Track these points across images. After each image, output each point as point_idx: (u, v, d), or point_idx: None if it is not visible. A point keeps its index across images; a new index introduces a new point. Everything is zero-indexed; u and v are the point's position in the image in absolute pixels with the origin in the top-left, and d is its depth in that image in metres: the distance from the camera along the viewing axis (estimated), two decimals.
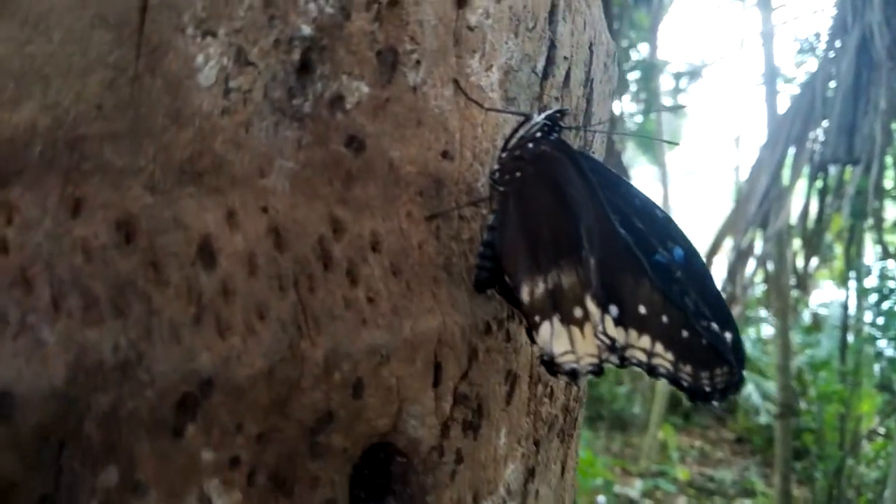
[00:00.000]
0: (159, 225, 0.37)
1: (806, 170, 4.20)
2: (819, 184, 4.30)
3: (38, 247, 0.33)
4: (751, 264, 4.71)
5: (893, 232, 4.70)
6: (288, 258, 0.41)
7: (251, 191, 0.40)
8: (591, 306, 0.45)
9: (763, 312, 6.52)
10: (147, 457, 0.36)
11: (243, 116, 0.39)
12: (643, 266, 0.45)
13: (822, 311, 6.53)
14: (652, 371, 0.45)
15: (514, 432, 0.55)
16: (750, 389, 6.08)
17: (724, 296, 0.49)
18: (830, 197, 4.22)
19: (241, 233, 0.39)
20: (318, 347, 0.41)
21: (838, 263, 5.69)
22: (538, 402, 0.58)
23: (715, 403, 0.46)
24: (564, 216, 0.47)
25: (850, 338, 4.81)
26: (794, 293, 4.75)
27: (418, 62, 0.45)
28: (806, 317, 6.46)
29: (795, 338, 6.02)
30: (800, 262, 5.04)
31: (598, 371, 0.46)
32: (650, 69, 6.35)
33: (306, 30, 0.40)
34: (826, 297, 6.76)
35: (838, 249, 5.25)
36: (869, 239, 4.62)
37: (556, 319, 0.46)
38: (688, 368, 0.44)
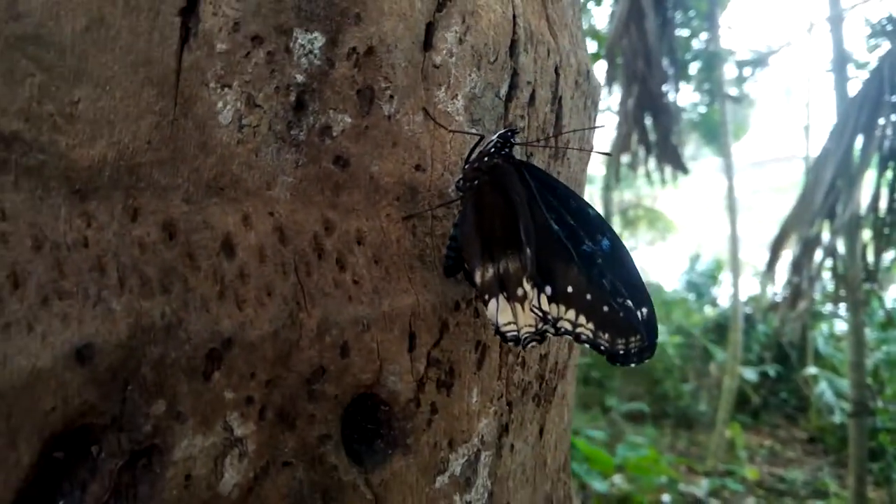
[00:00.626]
0: (193, 226, 0.51)
1: (875, 158, 4.10)
2: (889, 173, 4.16)
3: (108, 242, 0.48)
4: (819, 256, 4.61)
5: None
6: (290, 250, 0.54)
7: (261, 200, 0.53)
8: (528, 287, 0.56)
9: (831, 307, 6.33)
10: (185, 394, 0.50)
11: (253, 145, 0.52)
12: (571, 254, 0.56)
13: None
14: (577, 338, 0.56)
15: (486, 392, 0.68)
16: (823, 387, 5.93)
17: (643, 278, 0.59)
18: None
19: (254, 231, 0.53)
20: (312, 317, 0.55)
21: None
22: (510, 369, 0.70)
23: (632, 365, 0.57)
24: (510, 215, 0.58)
25: None
26: (866, 287, 4.61)
27: (392, 96, 0.58)
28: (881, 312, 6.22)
29: (870, 334, 5.83)
30: (871, 255, 4.89)
31: (537, 339, 0.58)
32: (712, 58, 6.25)
33: (300, 78, 0.53)
34: None
35: None
36: None
37: (501, 297, 0.58)
38: (606, 336, 0.56)
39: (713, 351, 7.56)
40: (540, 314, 0.56)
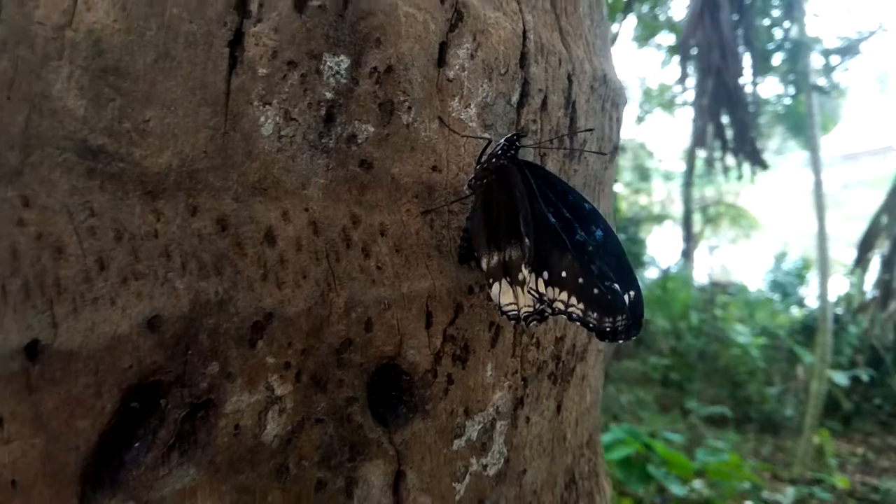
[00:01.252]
0: (241, 220, 0.61)
1: None
2: None
3: (173, 234, 0.59)
4: None
5: None
6: (322, 240, 0.64)
7: (297, 198, 0.63)
8: (527, 272, 0.64)
9: None
10: (235, 357, 0.61)
11: (290, 152, 0.62)
12: (566, 244, 0.64)
13: None
14: (569, 317, 0.64)
15: (500, 368, 0.76)
16: None
17: (631, 264, 0.66)
18: None
19: (292, 224, 0.63)
20: (340, 297, 0.65)
21: None
22: (524, 348, 0.78)
23: (620, 341, 0.64)
24: (513, 210, 0.66)
25: None
26: None
27: (410, 107, 0.67)
28: None
29: None
30: None
31: (536, 318, 0.66)
32: (797, 48, 6.04)
33: (329, 95, 0.63)
34: None
35: None
36: None
37: (504, 281, 0.66)
38: (594, 315, 0.63)
39: (800, 353, 7.30)
40: (537, 296, 0.64)
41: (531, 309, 0.65)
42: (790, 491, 4.70)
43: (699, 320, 8.62)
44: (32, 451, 0.55)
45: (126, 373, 0.57)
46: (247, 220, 0.62)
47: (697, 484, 4.21)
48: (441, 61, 0.69)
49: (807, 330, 7.18)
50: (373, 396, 0.69)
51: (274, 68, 0.61)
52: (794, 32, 6.06)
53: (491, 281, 0.67)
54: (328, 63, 0.63)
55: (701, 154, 5.65)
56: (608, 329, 0.63)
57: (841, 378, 6.22)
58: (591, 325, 0.63)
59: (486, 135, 0.72)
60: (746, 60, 5.38)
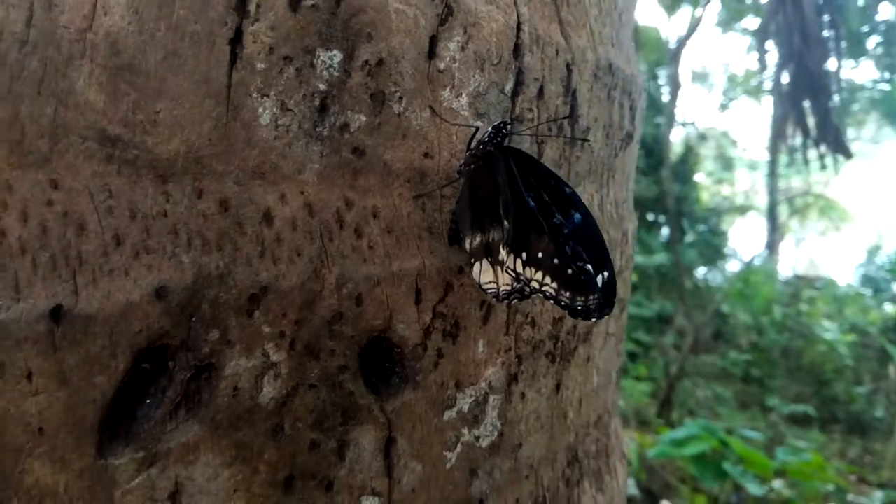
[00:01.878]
0: (242, 202, 0.68)
1: None
2: None
3: (181, 214, 0.66)
4: None
5: None
6: (316, 221, 0.70)
7: (294, 182, 0.69)
8: (504, 252, 0.68)
9: None
10: (234, 326, 0.67)
11: (287, 140, 0.68)
12: (543, 226, 0.67)
13: None
14: (544, 295, 0.67)
15: (492, 345, 0.80)
16: None
17: (608, 246, 0.69)
18: None
19: (288, 206, 0.69)
20: (332, 274, 0.70)
21: None
22: (518, 327, 0.82)
23: (593, 320, 0.67)
24: (496, 194, 0.70)
25: None
26: None
27: (401, 97, 0.72)
28: None
29: None
30: None
31: (517, 296, 0.70)
32: (893, 30, 5.72)
33: (322, 87, 0.69)
34: None
35: None
36: None
37: (486, 261, 0.70)
38: (567, 294, 0.66)
39: (893, 352, 6.97)
40: (514, 275, 0.68)
41: (509, 288, 0.69)
42: (878, 495, 4.51)
43: (783, 315, 8.33)
44: (57, 403, 0.63)
45: (137, 336, 0.65)
46: (247, 202, 0.68)
47: (777, 484, 4.10)
48: (432, 53, 0.73)
49: None
50: (366, 367, 0.74)
51: (271, 63, 0.67)
52: (889, 14, 5.74)
53: (473, 260, 0.71)
54: (322, 57, 0.68)
55: (782, 143, 5.43)
56: (580, 308, 0.66)
57: None
58: (563, 304, 0.66)
59: (479, 123, 0.76)
60: (832, 45, 5.14)
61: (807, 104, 4.96)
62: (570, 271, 0.66)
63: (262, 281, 0.68)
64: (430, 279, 0.75)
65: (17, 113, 0.63)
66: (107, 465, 0.64)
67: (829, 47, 5.05)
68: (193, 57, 0.65)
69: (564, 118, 0.82)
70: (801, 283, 9.07)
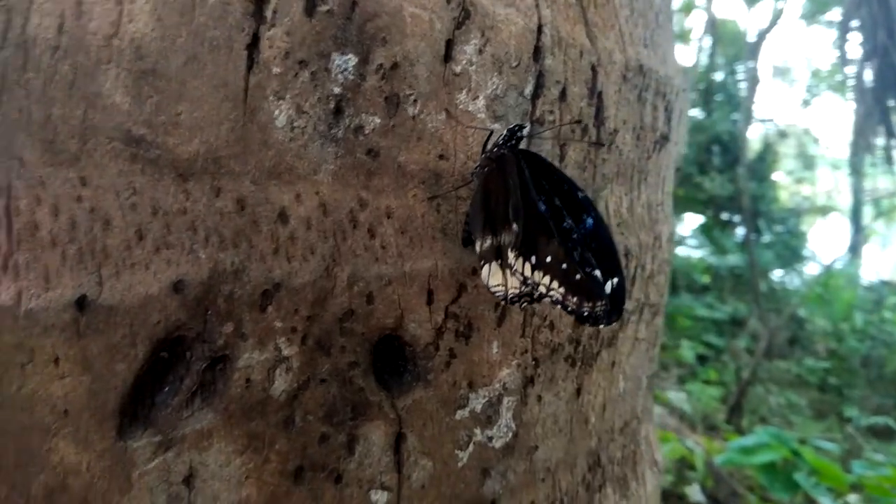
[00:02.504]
0: (258, 201, 0.70)
1: None
2: None
3: (199, 211, 0.69)
4: None
5: None
6: (330, 221, 0.72)
7: (309, 182, 0.71)
8: (513, 256, 0.68)
9: None
10: (247, 320, 0.70)
11: (302, 141, 0.70)
12: (553, 230, 0.67)
13: None
14: (550, 300, 0.67)
15: (507, 346, 0.80)
16: None
17: (619, 252, 0.68)
18: None
19: (303, 206, 0.71)
20: (344, 272, 0.72)
21: None
22: (536, 329, 0.82)
23: (601, 326, 0.66)
24: (508, 197, 0.70)
25: None
26: None
27: (415, 100, 0.73)
28: None
29: None
30: None
31: (526, 300, 0.70)
32: None
33: (337, 90, 0.70)
34: None
35: None
36: None
37: (495, 264, 0.71)
38: (574, 299, 0.65)
39: None
40: (522, 279, 0.68)
41: (518, 291, 0.69)
42: None
43: (865, 322, 7.94)
44: (80, 387, 0.67)
45: (155, 327, 0.68)
46: (263, 201, 0.70)
47: (852, 498, 3.92)
48: (448, 57, 0.73)
49: None
50: (378, 364, 0.75)
51: (287, 67, 0.69)
52: None
53: (483, 262, 0.72)
54: (336, 61, 0.70)
55: (865, 142, 5.17)
56: (586, 314, 0.65)
57: None
58: (569, 309, 0.66)
59: (496, 125, 0.76)
60: None
61: (892, 102, 4.69)
62: (577, 277, 0.65)
63: (276, 277, 0.70)
64: (442, 280, 0.76)
65: (50, 115, 0.67)
66: (126, 446, 0.68)
67: None
68: (212, 61, 0.68)
69: (577, 121, 0.81)
70: (885, 288, 8.62)
